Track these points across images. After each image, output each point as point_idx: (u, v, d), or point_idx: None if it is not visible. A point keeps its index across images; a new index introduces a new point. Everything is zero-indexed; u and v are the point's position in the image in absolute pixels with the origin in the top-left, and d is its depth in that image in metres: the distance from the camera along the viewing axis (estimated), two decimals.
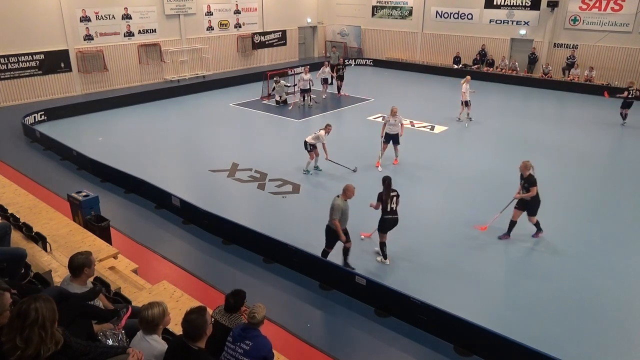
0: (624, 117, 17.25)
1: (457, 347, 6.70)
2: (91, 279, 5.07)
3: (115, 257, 7.37)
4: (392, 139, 13.11)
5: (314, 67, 27.10)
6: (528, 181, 8.91)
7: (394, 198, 8.25)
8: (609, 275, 8.40)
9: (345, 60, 27.84)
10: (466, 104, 17.42)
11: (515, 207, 9.25)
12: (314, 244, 8.82)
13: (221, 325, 4.82)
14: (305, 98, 19.66)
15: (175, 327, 5.08)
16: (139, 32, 22.47)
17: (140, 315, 3.99)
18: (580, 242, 9.50)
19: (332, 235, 8.03)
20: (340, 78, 21.66)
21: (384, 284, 7.43)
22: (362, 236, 9.32)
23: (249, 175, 12.60)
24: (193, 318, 3.85)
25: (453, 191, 11.79)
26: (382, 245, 8.56)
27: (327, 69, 21.18)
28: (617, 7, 22.34)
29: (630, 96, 16.86)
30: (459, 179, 12.43)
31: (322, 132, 12.32)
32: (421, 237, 9.61)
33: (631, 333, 7.10)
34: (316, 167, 12.79)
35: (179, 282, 7.56)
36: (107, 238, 8.35)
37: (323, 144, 12.32)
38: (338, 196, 7.95)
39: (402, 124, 13.19)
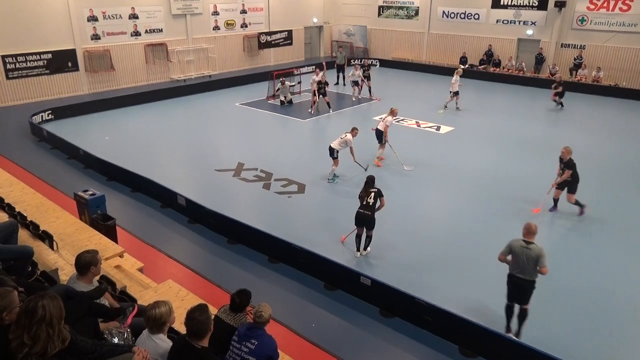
0: (559, 103, 19.60)
1: (462, 349, 6.68)
2: (97, 278, 5.10)
3: (121, 255, 7.40)
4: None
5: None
6: (567, 165, 10.10)
7: (372, 194, 8.45)
8: (614, 276, 8.35)
9: (372, 61, 27.72)
10: (456, 94, 18.68)
11: (556, 188, 10.45)
12: (319, 244, 8.85)
13: (226, 325, 4.83)
14: (319, 99, 19.21)
15: (181, 326, 5.09)
16: (146, 31, 22.56)
17: (147, 314, 3.99)
18: (584, 242, 9.46)
19: (533, 289, 6.59)
20: (367, 78, 21.21)
21: (389, 284, 7.41)
22: None
23: (254, 175, 12.62)
24: (196, 315, 3.86)
25: (458, 191, 11.74)
26: (356, 237, 8.80)
27: (358, 72, 20.81)
28: (625, 8, 22.16)
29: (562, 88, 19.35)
30: (464, 179, 12.38)
31: (349, 135, 11.99)
32: (426, 236, 9.60)
33: (637, 334, 7.06)
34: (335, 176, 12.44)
35: (184, 281, 7.58)
36: (113, 237, 8.39)
37: (351, 148, 12.07)
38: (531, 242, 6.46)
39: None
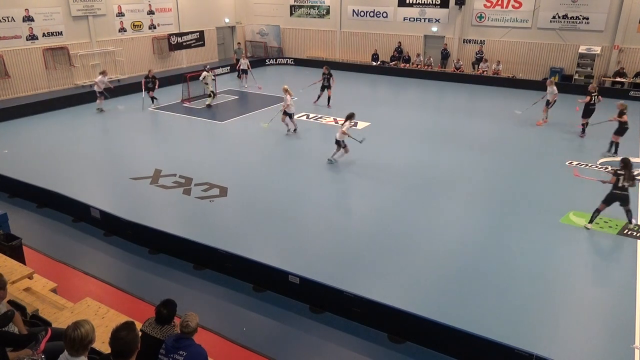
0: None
1: (390, 336, 6.92)
2: (5, 302, 4.71)
3: (30, 277, 6.88)
4: None
5: (234, 68, 26.84)
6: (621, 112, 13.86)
7: (620, 178, 9.55)
8: (519, 253, 9.06)
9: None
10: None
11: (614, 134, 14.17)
12: (245, 246, 8.76)
13: (152, 339, 4.65)
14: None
15: (103, 345, 4.84)
16: (44, 35, 20.97)
17: (70, 336, 3.69)
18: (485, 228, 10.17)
19: None
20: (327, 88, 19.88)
21: (318, 280, 7.50)
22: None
23: (173, 181, 12.21)
24: (124, 335, 3.68)
25: (380, 185, 12.13)
26: (596, 211, 9.91)
27: (244, 61, 23.48)
28: (517, 5, 24.08)
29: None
30: (385, 173, 12.81)
31: (347, 123, 13.30)
32: (349, 231, 9.82)
33: (541, 303, 7.70)
34: (331, 161, 13.38)
35: (104, 297, 7.21)
36: (20, 257, 7.78)
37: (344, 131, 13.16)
38: None
39: None
